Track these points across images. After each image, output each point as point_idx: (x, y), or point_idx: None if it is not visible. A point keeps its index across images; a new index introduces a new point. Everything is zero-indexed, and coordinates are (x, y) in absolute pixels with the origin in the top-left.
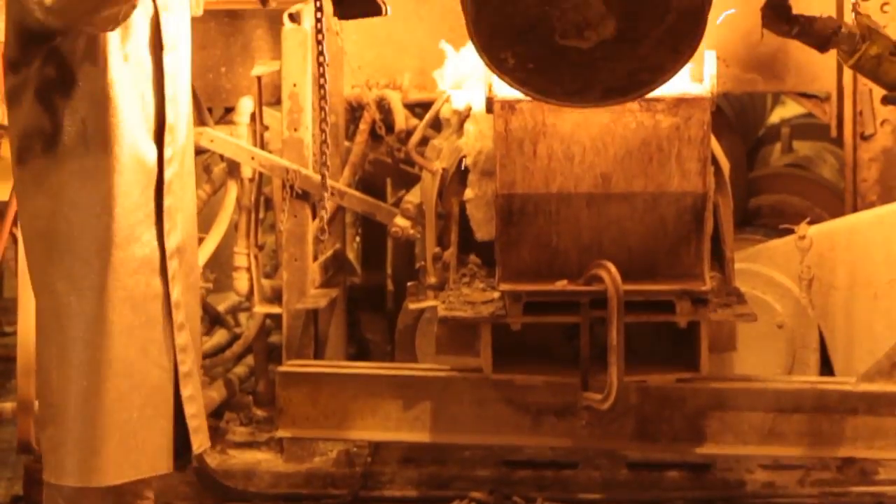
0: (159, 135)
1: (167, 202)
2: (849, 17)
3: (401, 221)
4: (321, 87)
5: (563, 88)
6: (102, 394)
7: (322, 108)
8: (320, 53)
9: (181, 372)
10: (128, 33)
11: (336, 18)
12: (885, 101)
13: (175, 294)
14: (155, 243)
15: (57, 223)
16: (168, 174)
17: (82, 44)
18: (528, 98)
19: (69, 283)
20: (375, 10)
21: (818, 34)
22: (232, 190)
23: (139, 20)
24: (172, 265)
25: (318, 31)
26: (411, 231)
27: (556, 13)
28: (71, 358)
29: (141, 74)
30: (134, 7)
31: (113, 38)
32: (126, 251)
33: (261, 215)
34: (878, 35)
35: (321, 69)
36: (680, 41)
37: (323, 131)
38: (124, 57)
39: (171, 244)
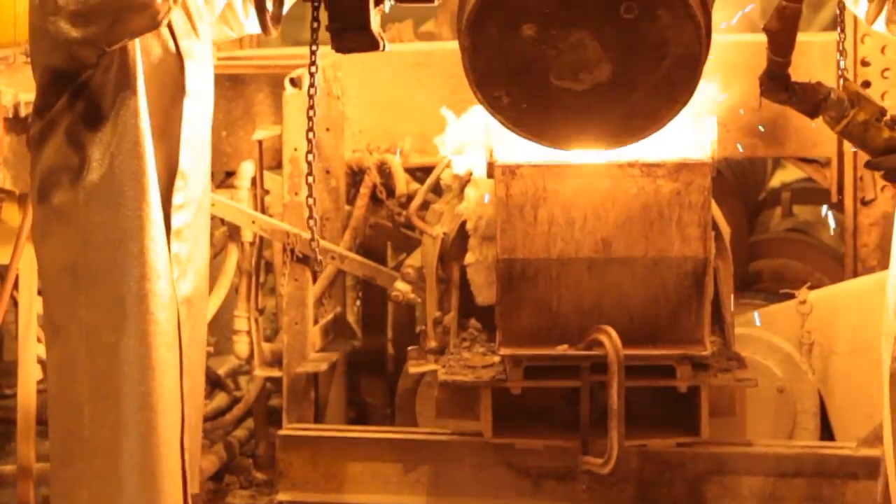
0: (170, 179)
1: (174, 248)
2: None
3: (401, 286)
4: (308, 140)
5: (556, 131)
6: (154, 427)
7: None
8: (311, 108)
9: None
10: (155, 77)
11: (336, 88)
12: (869, 165)
13: (185, 342)
14: (171, 290)
15: (87, 256)
16: (177, 221)
17: (113, 76)
18: (529, 163)
19: (102, 315)
20: (373, 45)
21: (809, 100)
22: (232, 254)
23: (163, 65)
24: (182, 313)
25: (311, 84)
26: (412, 295)
27: (553, 53)
28: (104, 390)
29: (165, 119)
30: (170, 9)
31: (140, 75)
32: (156, 285)
33: (261, 279)
34: (865, 101)
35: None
36: (675, 88)
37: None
38: (150, 96)
39: (180, 292)
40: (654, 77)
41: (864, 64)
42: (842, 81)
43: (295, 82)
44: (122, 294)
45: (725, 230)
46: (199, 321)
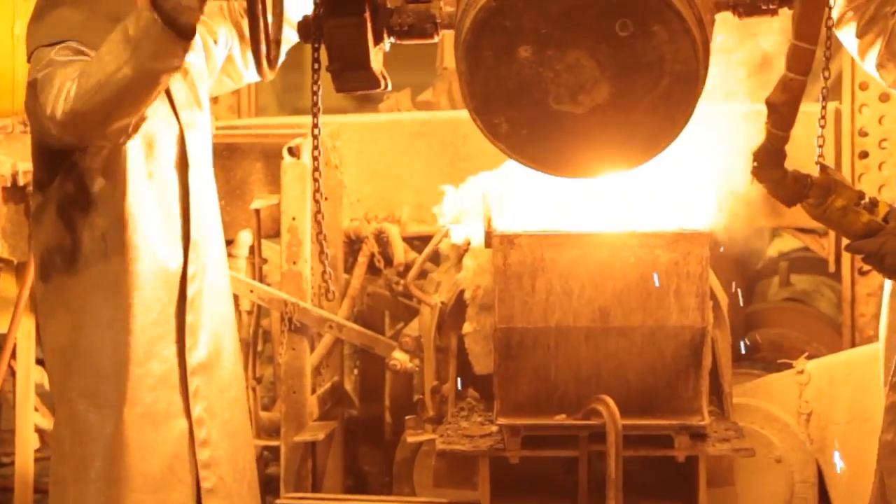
0: (185, 251)
1: (189, 318)
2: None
3: (399, 355)
4: (315, 179)
5: (557, 158)
6: None
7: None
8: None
9: (203, 489)
10: (153, 151)
11: (334, 157)
12: (849, 249)
13: (196, 411)
14: (175, 360)
15: (77, 339)
16: (191, 291)
17: (101, 160)
18: (527, 233)
19: (88, 398)
20: (374, 84)
21: (791, 188)
22: None
23: (164, 138)
24: (194, 382)
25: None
26: (410, 364)
27: (550, 75)
28: (89, 473)
29: (167, 191)
30: (143, 120)
31: (135, 155)
32: (145, 367)
33: (259, 347)
34: (842, 187)
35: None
36: (674, 108)
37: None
38: (148, 175)
39: (192, 361)
40: (653, 96)
41: (862, 134)
42: (818, 167)
43: (293, 152)
44: (107, 377)
45: (723, 299)
46: (228, 383)
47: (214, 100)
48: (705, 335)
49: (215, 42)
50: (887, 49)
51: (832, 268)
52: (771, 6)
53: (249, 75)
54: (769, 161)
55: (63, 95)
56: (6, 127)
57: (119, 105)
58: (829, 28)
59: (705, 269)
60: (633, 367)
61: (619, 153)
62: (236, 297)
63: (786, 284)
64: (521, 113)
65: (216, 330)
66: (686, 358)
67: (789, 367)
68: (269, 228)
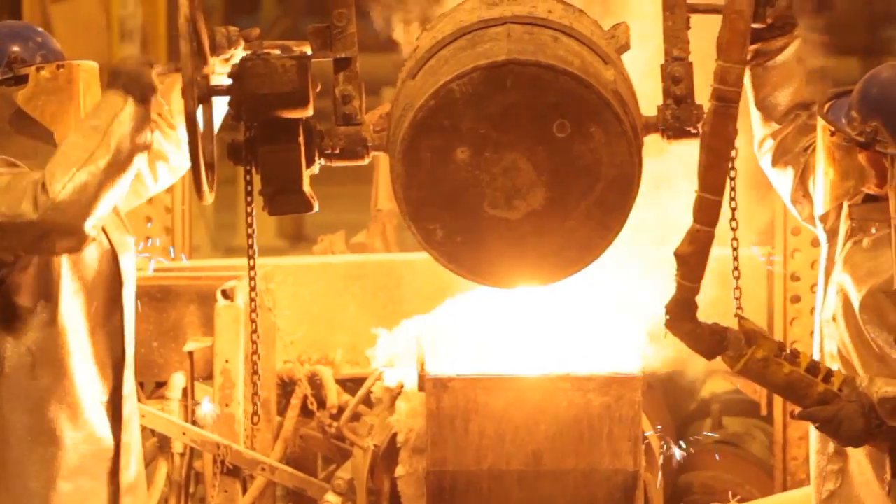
0: (118, 370)
1: (124, 438)
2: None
3: (331, 498)
4: (251, 285)
5: (491, 267)
6: None
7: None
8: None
9: None
10: (84, 269)
11: (268, 300)
12: (800, 417)
13: None
14: (107, 478)
15: (3, 453)
16: (126, 410)
17: (31, 276)
18: (460, 376)
19: None
20: (307, 207)
21: (707, 340)
22: (162, 466)
23: (93, 257)
24: (125, 502)
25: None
26: None
27: (487, 178)
28: None
29: (99, 309)
30: (95, 238)
31: (65, 271)
32: (74, 482)
33: (191, 490)
34: (762, 338)
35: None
36: (608, 214)
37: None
38: (80, 292)
39: (124, 481)
40: (588, 202)
41: (794, 279)
42: (737, 320)
43: (226, 294)
44: (37, 492)
45: (655, 443)
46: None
47: (147, 239)
48: (637, 479)
49: None
50: (801, 185)
51: (764, 411)
52: (702, 129)
53: (157, 186)
54: (680, 314)
55: (35, 191)
56: None
57: (99, 192)
58: (731, 179)
59: (637, 413)
60: None
61: (553, 262)
62: (169, 440)
63: (718, 427)
64: (456, 219)
65: (139, 454)
66: (618, 501)
67: None
68: (202, 371)
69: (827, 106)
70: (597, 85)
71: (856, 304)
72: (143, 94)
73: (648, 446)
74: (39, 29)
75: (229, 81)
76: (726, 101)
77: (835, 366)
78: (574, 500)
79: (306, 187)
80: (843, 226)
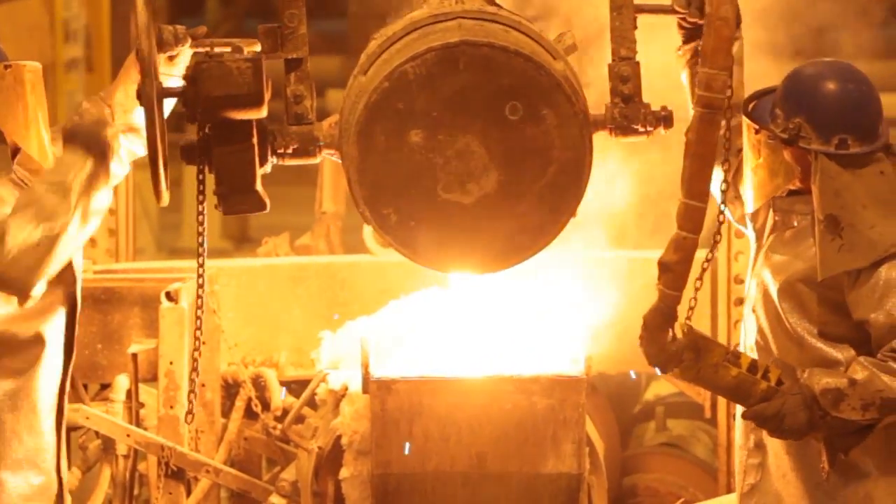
0: (61, 397)
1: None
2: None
3: (276, 500)
4: (198, 284)
5: (445, 253)
6: None
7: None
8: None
9: None
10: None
11: (213, 302)
12: (746, 417)
13: None
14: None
15: None
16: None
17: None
18: (405, 378)
19: None
20: (261, 206)
21: (665, 352)
22: (106, 468)
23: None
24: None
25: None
26: None
27: (440, 161)
28: None
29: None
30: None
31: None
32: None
33: (135, 492)
34: (713, 344)
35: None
36: (560, 198)
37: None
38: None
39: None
40: (540, 185)
41: (738, 282)
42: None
43: (171, 296)
44: None
45: (599, 445)
46: None
47: (92, 241)
48: (581, 482)
49: None
50: (733, 186)
51: (708, 413)
52: (647, 128)
53: None
54: (659, 323)
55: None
56: None
57: (52, 252)
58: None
59: (581, 415)
60: None
61: (506, 247)
62: (113, 442)
63: (662, 429)
64: (410, 203)
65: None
66: None
67: None
68: (146, 372)
69: (752, 105)
70: (548, 66)
71: (773, 292)
72: (102, 152)
73: (592, 449)
74: None
75: (179, 82)
76: (712, 108)
77: (756, 356)
78: (518, 503)
79: (259, 187)
80: (770, 221)
